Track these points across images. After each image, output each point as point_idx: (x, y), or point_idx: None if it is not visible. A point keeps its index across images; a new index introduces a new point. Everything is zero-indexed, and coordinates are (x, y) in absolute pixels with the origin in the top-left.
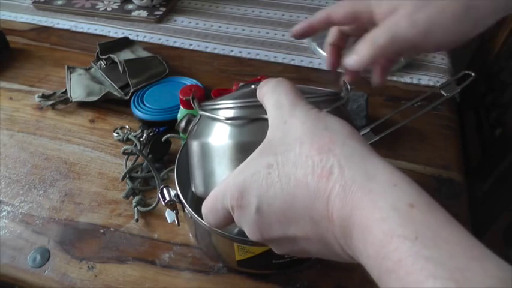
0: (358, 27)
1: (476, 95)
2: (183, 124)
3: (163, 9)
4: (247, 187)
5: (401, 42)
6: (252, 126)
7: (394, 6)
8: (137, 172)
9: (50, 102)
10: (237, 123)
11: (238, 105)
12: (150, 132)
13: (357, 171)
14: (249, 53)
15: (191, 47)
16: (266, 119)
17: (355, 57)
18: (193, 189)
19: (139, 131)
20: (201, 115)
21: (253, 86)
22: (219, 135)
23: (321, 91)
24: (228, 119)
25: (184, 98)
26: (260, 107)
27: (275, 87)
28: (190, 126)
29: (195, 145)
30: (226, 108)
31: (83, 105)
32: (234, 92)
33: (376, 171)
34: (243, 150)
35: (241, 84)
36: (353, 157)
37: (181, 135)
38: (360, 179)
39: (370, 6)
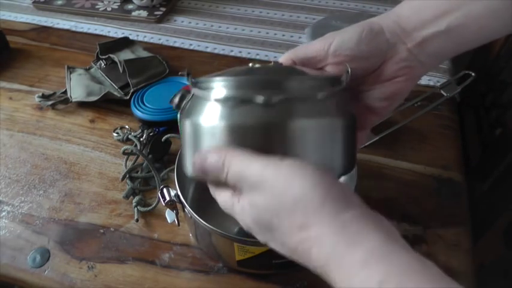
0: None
1: (476, 95)
2: (176, 100)
3: (163, 9)
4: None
5: (308, 49)
6: (243, 109)
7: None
8: (137, 172)
9: (50, 102)
10: (228, 104)
11: (232, 83)
12: (150, 132)
13: (337, 247)
14: (249, 53)
15: (191, 47)
16: (257, 103)
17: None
18: (184, 169)
19: (139, 131)
20: (193, 93)
21: (250, 64)
22: (210, 115)
23: (320, 74)
24: (217, 100)
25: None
26: (255, 88)
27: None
28: (184, 103)
29: (186, 124)
30: (220, 86)
31: (83, 105)
32: (232, 69)
33: (354, 248)
34: (233, 132)
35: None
36: (337, 235)
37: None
38: (337, 256)
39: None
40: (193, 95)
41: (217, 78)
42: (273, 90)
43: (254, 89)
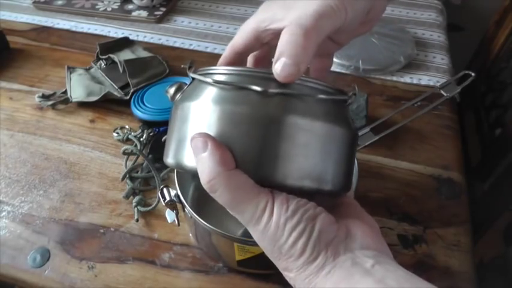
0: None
1: (476, 95)
2: (172, 90)
3: (163, 9)
4: None
5: (328, 19)
6: (241, 95)
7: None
8: (137, 172)
9: (50, 102)
10: (225, 88)
11: (234, 71)
12: (150, 132)
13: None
14: None
15: (191, 47)
16: (256, 91)
17: (287, 61)
18: (164, 158)
19: (139, 131)
20: (190, 82)
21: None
22: (206, 98)
23: (325, 84)
24: (216, 84)
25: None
26: (257, 78)
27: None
28: (179, 94)
29: (178, 109)
30: (221, 73)
31: (83, 105)
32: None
33: None
34: (226, 118)
35: None
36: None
37: None
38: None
39: (275, 16)
40: (189, 84)
41: (219, 67)
42: (274, 83)
43: (255, 78)
